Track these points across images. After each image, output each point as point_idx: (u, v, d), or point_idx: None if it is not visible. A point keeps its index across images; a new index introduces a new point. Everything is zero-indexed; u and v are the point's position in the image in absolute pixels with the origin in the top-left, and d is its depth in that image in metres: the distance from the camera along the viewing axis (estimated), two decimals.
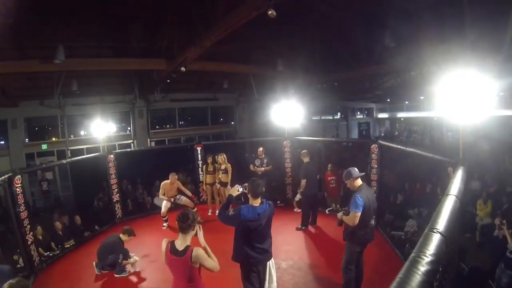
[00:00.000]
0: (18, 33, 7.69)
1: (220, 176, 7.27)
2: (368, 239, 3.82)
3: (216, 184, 7.36)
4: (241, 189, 3.35)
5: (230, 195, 3.34)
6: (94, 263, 5.02)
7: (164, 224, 6.90)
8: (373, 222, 3.84)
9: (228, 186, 7.05)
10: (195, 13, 7.69)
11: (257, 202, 3.20)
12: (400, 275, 1.15)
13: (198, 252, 2.51)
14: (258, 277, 3.27)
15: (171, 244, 2.58)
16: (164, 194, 6.75)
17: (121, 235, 5.08)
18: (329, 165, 7.70)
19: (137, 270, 5.01)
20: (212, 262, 2.59)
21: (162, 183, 6.77)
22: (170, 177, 6.71)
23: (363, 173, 3.88)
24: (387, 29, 8.80)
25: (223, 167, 7.22)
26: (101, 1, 8.13)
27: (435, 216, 1.83)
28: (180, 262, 2.51)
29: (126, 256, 5.00)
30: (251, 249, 3.16)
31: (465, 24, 6.86)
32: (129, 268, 4.98)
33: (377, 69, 11.63)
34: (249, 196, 3.24)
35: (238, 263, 3.29)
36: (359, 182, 3.78)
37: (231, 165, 7.32)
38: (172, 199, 6.76)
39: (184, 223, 2.53)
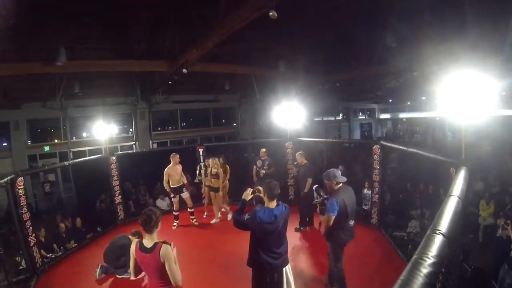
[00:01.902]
0: (19, 35, 7.69)
1: (210, 180, 7.01)
2: (346, 239, 3.87)
3: (205, 187, 7.20)
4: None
5: (243, 200, 3.27)
6: (99, 265, 4.96)
7: (175, 224, 6.81)
8: (351, 223, 3.86)
9: (220, 193, 6.94)
10: (196, 14, 7.70)
11: (273, 204, 3.16)
12: (402, 277, 1.15)
13: (166, 249, 2.57)
14: (271, 284, 3.15)
15: (140, 242, 2.67)
16: (168, 182, 6.57)
17: (130, 237, 5.00)
18: (340, 167, 7.52)
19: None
20: (176, 269, 2.57)
21: (166, 168, 6.55)
22: (171, 158, 6.53)
23: (345, 179, 3.82)
24: (388, 29, 8.78)
25: (214, 171, 6.94)
26: (102, 2, 8.14)
27: (437, 218, 1.82)
28: (150, 258, 2.58)
29: None
30: (266, 254, 3.08)
31: (466, 24, 6.84)
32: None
33: (379, 69, 11.60)
34: (265, 198, 3.19)
35: (251, 268, 3.22)
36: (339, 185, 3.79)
37: (230, 166, 7.21)
38: (174, 195, 6.64)
39: (149, 225, 2.61)
